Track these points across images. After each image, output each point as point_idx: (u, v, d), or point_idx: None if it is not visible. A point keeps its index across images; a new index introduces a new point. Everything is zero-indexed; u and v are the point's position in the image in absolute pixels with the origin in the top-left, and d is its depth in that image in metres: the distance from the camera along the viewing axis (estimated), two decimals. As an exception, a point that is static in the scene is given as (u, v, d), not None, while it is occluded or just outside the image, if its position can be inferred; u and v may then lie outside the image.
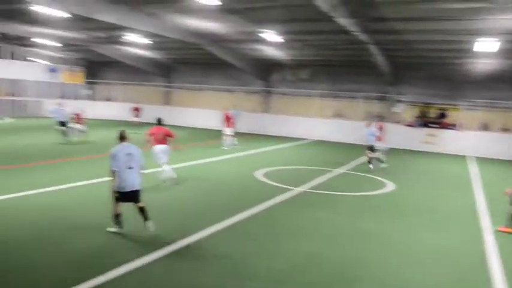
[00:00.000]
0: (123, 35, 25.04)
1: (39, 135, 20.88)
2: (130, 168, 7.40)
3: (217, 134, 26.94)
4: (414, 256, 7.17)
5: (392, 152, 20.72)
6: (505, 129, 25.13)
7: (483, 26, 16.65)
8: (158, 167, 11.50)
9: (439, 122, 25.85)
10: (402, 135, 25.36)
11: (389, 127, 25.77)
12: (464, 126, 25.30)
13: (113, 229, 7.44)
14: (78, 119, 20.10)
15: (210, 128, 28.47)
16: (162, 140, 11.59)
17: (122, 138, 7.69)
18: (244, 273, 6.01)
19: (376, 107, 28.28)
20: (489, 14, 15.20)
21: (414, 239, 8.09)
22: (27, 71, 33.89)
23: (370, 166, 16.08)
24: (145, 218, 7.47)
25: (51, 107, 20.31)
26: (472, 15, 15.53)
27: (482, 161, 21.75)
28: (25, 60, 34.47)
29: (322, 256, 6.85)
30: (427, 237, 8.24)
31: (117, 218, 7.43)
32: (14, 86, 34.39)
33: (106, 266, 5.90)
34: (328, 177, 14.20)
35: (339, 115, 29.40)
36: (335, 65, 29.35)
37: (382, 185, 13.25)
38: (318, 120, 28.80)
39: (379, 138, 17.22)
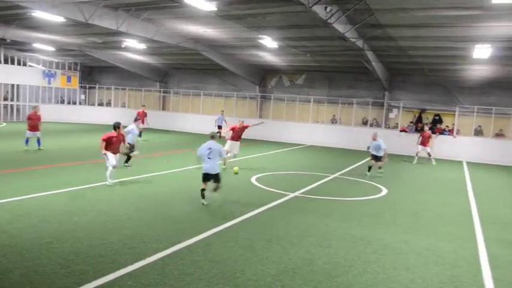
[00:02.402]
0: (120, 41, 25.15)
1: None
2: (209, 158, 10.10)
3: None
4: (405, 261, 7.20)
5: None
6: (499, 135, 25.33)
7: (477, 32, 16.84)
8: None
9: (434, 127, 25.99)
10: (397, 140, 25.47)
11: (384, 133, 25.98)
12: (459, 132, 25.48)
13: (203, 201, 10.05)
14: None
15: (206, 134, 28.50)
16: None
17: (212, 137, 10.56)
18: (234, 279, 6.04)
19: (372, 112, 28.44)
20: (483, 21, 15.40)
21: (406, 244, 8.11)
22: (24, 75, 33.94)
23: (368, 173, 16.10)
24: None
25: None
26: (467, 22, 15.72)
27: (476, 166, 21.90)
28: (23, 65, 34.47)
29: (313, 262, 6.88)
30: (419, 242, 8.29)
31: (202, 191, 10.12)
32: (10, 91, 34.40)
33: (90, 274, 5.97)
34: (323, 182, 14.27)
35: (334, 120, 29.53)
36: (331, 71, 29.53)
37: (376, 191, 13.33)
38: (314, 126, 28.94)
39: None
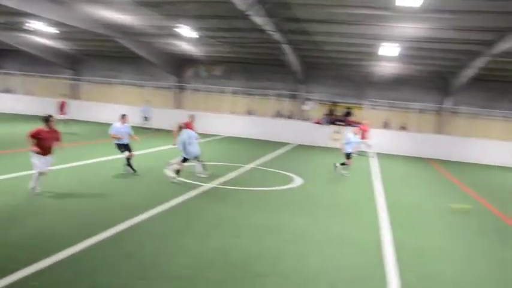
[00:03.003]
0: (26, 22, 23.43)
1: None
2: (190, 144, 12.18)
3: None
4: (318, 248, 7.51)
5: (301, 148, 21.49)
6: (403, 128, 27.18)
7: (384, 32, 17.86)
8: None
9: (345, 119, 27.28)
10: (311, 132, 26.45)
11: (298, 124, 26.87)
12: (368, 124, 26.93)
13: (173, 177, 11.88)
14: None
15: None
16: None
17: (180, 128, 12.46)
18: (150, 272, 5.93)
19: (287, 104, 29.18)
20: (389, 22, 16.36)
21: (318, 231, 8.46)
22: None
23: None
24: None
25: None
26: (375, 21, 16.61)
27: (385, 157, 23.32)
28: None
29: (227, 252, 6.94)
30: (331, 229, 8.68)
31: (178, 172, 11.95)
32: None
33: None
34: (238, 173, 14.41)
35: (250, 112, 29.90)
36: (249, 63, 29.79)
37: (290, 181, 13.72)
38: (231, 117, 29.09)
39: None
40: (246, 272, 6.25)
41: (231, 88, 29.82)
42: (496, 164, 24.71)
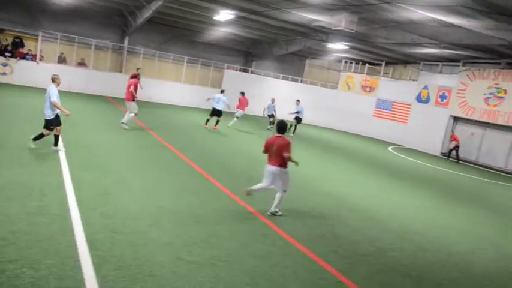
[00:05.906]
0: None
1: None
2: None
3: None
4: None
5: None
6: (81, 64, 26.12)
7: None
8: None
9: (15, 51, 24.08)
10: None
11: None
12: (42, 58, 24.65)
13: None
14: None
15: None
16: None
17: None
18: None
19: None
20: None
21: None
22: None
23: None
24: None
25: None
26: None
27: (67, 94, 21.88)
28: None
29: None
30: (2, 175, 7.57)
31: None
32: None
33: None
34: None
35: None
36: None
37: None
38: None
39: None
40: None
41: None
42: (171, 103, 27.03)
